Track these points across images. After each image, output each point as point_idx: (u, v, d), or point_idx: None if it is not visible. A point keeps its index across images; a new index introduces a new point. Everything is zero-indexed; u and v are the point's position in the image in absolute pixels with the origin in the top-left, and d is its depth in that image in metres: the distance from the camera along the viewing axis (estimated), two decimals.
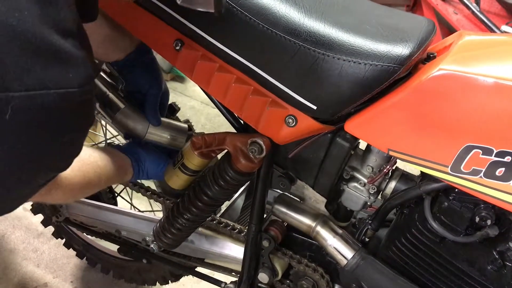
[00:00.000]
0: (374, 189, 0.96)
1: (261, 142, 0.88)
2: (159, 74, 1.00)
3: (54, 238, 1.78)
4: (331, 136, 0.92)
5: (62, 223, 1.45)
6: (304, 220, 1.02)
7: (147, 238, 1.27)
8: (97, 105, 1.02)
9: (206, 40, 0.85)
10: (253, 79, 0.85)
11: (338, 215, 1.10)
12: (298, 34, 0.78)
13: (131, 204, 1.59)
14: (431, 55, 0.83)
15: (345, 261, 0.98)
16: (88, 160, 0.85)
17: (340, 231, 1.01)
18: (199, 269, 1.35)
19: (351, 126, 0.83)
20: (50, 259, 1.84)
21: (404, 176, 0.96)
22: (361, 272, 0.97)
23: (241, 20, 0.79)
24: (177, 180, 1.02)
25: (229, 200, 1.30)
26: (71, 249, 1.74)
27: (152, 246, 1.21)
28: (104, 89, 1.01)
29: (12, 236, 1.88)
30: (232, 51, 0.83)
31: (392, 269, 0.95)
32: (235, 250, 1.17)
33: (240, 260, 1.15)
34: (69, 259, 1.84)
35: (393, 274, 0.95)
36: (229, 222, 1.18)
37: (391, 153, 0.81)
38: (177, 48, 0.89)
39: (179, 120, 1.27)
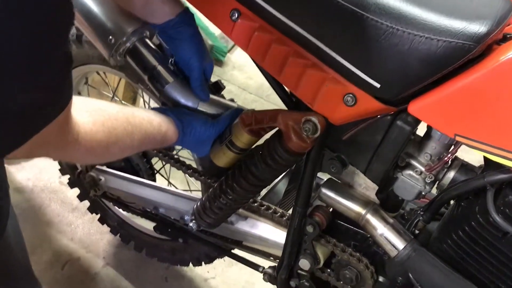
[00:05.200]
0: (431, 178, 0.91)
1: (316, 121, 0.84)
2: (203, 46, 0.96)
3: (89, 213, 1.78)
4: (391, 118, 0.87)
5: (99, 198, 1.43)
6: (353, 207, 0.97)
7: (186, 217, 1.24)
8: (146, 78, 0.99)
9: (264, 10, 0.81)
10: (312, 53, 0.81)
11: (387, 204, 1.05)
12: (366, 6, 0.73)
13: (169, 182, 1.57)
14: (508, 36, 0.76)
15: (395, 252, 0.93)
16: (116, 115, 0.77)
17: (391, 220, 0.96)
18: (236, 252, 1.32)
19: (416, 108, 0.78)
20: (84, 234, 1.84)
21: (464, 166, 0.90)
22: (412, 264, 0.92)
23: None
24: (223, 158, 0.98)
25: (273, 181, 1.26)
26: (104, 225, 1.73)
27: (191, 224, 1.19)
28: (154, 62, 0.98)
29: (48, 209, 1.90)
30: (292, 21, 0.79)
31: (445, 263, 0.90)
32: (275, 235, 1.14)
33: (280, 245, 1.12)
34: (102, 235, 1.84)
35: (446, 269, 0.89)
36: (270, 205, 1.14)
37: (458, 138, 0.76)
38: (234, 18, 0.85)
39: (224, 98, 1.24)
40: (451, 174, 0.90)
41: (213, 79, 1.11)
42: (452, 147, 0.88)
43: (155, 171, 1.46)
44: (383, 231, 0.94)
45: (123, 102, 1.66)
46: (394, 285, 1.05)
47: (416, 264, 0.91)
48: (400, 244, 0.93)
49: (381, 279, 1.07)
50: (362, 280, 1.06)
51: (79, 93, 1.51)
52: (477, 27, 0.70)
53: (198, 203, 1.12)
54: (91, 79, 1.55)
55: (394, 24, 0.72)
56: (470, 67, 0.73)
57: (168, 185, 1.54)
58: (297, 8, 0.78)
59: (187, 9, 0.92)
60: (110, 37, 0.95)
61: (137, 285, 1.73)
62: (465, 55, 0.70)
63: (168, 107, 0.97)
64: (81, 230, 1.85)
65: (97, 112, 0.75)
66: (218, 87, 1.21)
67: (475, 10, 0.73)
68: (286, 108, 0.94)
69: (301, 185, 0.96)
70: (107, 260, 1.78)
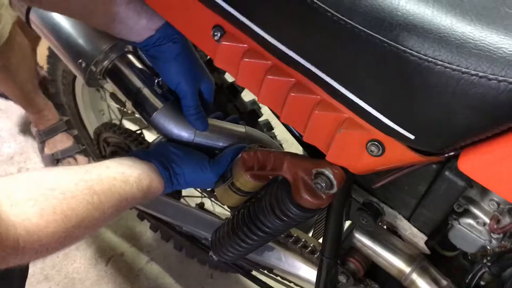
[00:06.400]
0: (499, 234, 0.67)
1: (331, 175, 0.62)
2: (196, 64, 0.75)
3: None
4: (438, 167, 0.63)
5: None
6: (395, 262, 0.76)
7: (209, 239, 1.09)
8: (131, 104, 0.80)
9: (251, 30, 0.58)
10: (321, 87, 0.58)
11: (443, 243, 0.82)
12: (386, 27, 0.49)
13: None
14: None
15: None
16: (75, 190, 0.60)
17: (444, 282, 0.74)
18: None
19: (469, 166, 0.53)
20: (128, 227, 1.77)
21: None
22: None
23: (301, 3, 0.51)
24: (228, 199, 0.80)
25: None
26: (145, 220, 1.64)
27: (211, 253, 1.03)
28: (139, 84, 0.79)
29: None
30: (291, 50, 0.56)
31: None
32: (307, 272, 0.95)
33: (313, 282, 0.93)
34: (146, 227, 1.75)
35: None
36: (300, 236, 0.95)
37: None
38: (216, 38, 0.64)
39: (242, 104, 1.03)
40: None
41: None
42: None
43: None
44: None
45: None
46: None
47: None
48: None
49: None
50: None
51: (97, 90, 1.36)
52: None
53: (215, 235, 0.95)
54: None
55: (431, 55, 0.47)
56: None
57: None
58: (290, 30, 0.55)
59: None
60: (80, 60, 0.77)
61: (181, 282, 1.65)
62: None
63: (154, 148, 0.78)
64: (125, 222, 1.78)
65: (45, 196, 0.58)
66: (234, 90, 1.01)
67: None
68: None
69: (326, 236, 0.76)
70: (151, 254, 1.70)
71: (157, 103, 0.79)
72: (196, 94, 0.76)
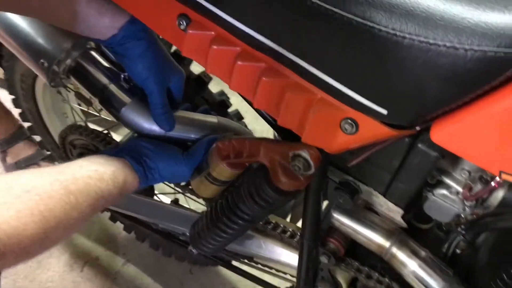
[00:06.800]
0: (472, 201, 0.69)
1: (307, 156, 0.63)
2: (163, 60, 0.74)
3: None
4: (410, 141, 0.64)
5: None
6: (374, 238, 0.77)
7: (187, 233, 1.09)
8: (97, 101, 0.79)
9: (217, 16, 0.58)
10: (291, 69, 0.58)
11: (418, 216, 0.84)
12: (353, 4, 0.49)
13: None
14: None
15: None
16: (50, 190, 0.58)
17: (423, 253, 0.75)
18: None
19: (441, 136, 0.55)
20: (101, 230, 1.73)
21: None
22: None
23: None
24: (205, 190, 0.79)
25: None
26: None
27: (190, 247, 1.03)
28: (104, 80, 0.77)
29: None
30: (259, 34, 0.56)
31: None
32: (288, 256, 0.96)
33: (294, 266, 0.94)
34: (120, 229, 1.72)
35: None
36: (279, 222, 0.96)
37: (504, 176, 0.53)
38: (182, 27, 0.63)
39: (210, 96, 1.02)
40: (499, 195, 0.68)
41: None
42: None
43: None
44: (414, 269, 0.75)
45: None
46: None
47: None
48: (436, 285, 0.73)
49: None
50: None
51: (58, 92, 1.33)
52: None
53: (193, 228, 0.95)
54: None
55: (398, 30, 0.48)
56: None
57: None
58: (261, 15, 0.55)
59: (134, 19, 0.70)
60: (42, 60, 0.75)
61: (160, 280, 1.63)
62: (508, 69, 0.46)
63: (125, 144, 0.77)
64: (97, 226, 1.74)
65: (21, 199, 0.56)
66: (201, 82, 1.00)
67: None
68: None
69: (305, 218, 0.77)
70: (127, 256, 1.68)
71: (125, 98, 0.77)
72: (164, 91, 0.75)
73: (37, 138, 1.51)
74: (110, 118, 1.44)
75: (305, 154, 0.63)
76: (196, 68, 1.04)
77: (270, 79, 0.60)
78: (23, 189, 0.57)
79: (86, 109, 1.31)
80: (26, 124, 1.46)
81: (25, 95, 1.31)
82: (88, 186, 0.64)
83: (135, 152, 0.73)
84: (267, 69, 0.60)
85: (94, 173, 0.66)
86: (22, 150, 1.81)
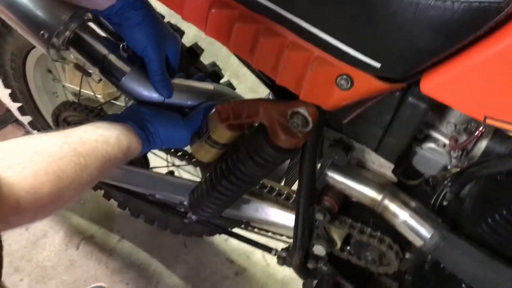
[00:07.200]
0: (458, 151, 0.74)
1: (306, 113, 0.66)
2: (161, 28, 0.76)
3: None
4: (400, 95, 0.68)
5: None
6: (367, 192, 0.82)
7: (185, 202, 1.12)
8: (97, 70, 0.81)
9: None
10: (288, 28, 0.62)
11: (407, 172, 0.89)
12: None
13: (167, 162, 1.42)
14: None
15: (421, 242, 0.78)
16: (60, 152, 0.60)
17: (413, 204, 0.80)
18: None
19: (431, 87, 0.59)
20: (94, 208, 1.76)
21: (498, 134, 0.72)
22: (441, 254, 0.78)
23: None
24: (205, 154, 0.83)
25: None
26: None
27: (189, 214, 1.06)
28: (104, 50, 0.79)
29: None
30: None
31: (481, 249, 0.76)
32: (284, 218, 1.00)
33: (290, 227, 0.99)
34: (113, 207, 1.75)
35: (483, 256, 0.75)
36: (274, 185, 1.00)
37: (489, 121, 0.58)
38: None
39: (203, 67, 1.05)
40: (482, 145, 0.73)
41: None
42: None
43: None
44: (405, 218, 0.79)
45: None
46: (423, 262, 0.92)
47: (446, 253, 0.77)
48: (426, 232, 0.78)
49: (408, 255, 0.93)
50: (386, 260, 0.93)
51: (49, 71, 1.34)
52: None
53: (193, 194, 0.98)
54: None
55: None
56: (499, 31, 0.53)
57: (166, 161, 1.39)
58: None
59: None
60: (42, 31, 0.77)
61: (155, 254, 1.67)
62: (494, 17, 0.51)
63: (126, 111, 0.79)
64: (91, 205, 1.77)
65: (34, 159, 0.58)
66: (194, 54, 1.02)
67: None
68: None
69: (302, 177, 0.81)
70: (122, 233, 1.71)
71: (125, 67, 0.80)
72: (162, 58, 0.78)
73: (28, 118, 1.51)
74: (101, 96, 1.46)
75: (303, 111, 0.66)
76: (187, 41, 1.07)
77: (269, 39, 0.63)
78: (35, 150, 0.59)
79: (77, 88, 1.33)
80: (16, 105, 1.47)
81: (15, 75, 1.32)
82: (95, 150, 0.66)
83: (136, 118, 0.76)
84: (266, 29, 0.63)
85: (100, 137, 0.68)
86: (10, 134, 1.82)
